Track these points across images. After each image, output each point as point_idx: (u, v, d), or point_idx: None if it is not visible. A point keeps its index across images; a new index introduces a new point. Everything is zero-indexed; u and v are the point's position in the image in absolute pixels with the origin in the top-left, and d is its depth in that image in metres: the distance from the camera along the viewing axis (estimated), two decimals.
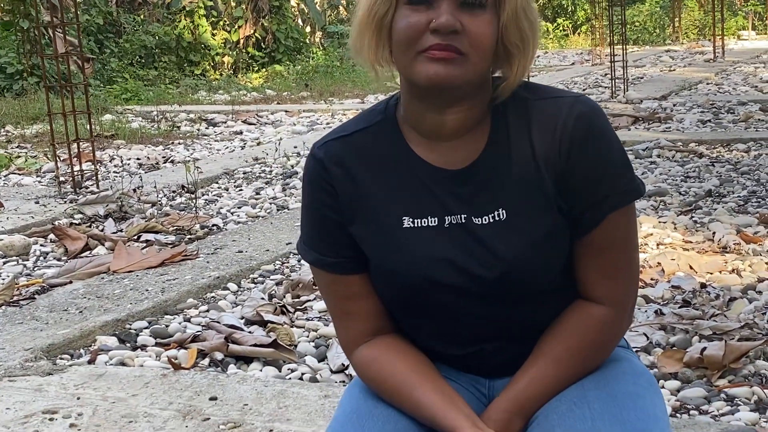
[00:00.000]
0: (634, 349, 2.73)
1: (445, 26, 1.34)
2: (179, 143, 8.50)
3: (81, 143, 6.11)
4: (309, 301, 3.48)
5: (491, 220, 1.44)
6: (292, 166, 6.71)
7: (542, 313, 1.49)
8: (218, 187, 6.08)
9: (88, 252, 4.33)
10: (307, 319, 3.29)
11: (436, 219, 1.46)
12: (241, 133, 9.22)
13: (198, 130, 9.52)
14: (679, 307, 3.08)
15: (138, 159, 7.46)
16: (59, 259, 4.28)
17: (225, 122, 10.08)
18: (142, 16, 16.97)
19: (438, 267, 1.44)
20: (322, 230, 1.52)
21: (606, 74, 11.35)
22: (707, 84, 11.24)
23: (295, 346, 3.01)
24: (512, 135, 1.45)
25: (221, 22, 17.47)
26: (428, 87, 1.37)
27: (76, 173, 5.88)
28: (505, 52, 1.41)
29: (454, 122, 1.44)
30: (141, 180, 6.09)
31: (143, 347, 3.05)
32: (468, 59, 1.36)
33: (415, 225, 1.46)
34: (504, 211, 1.44)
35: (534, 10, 1.43)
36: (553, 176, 1.43)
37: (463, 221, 1.45)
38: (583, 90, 11.59)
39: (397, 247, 1.46)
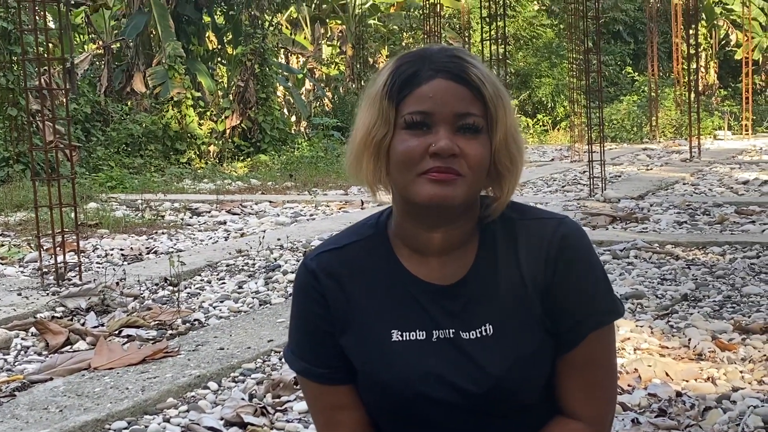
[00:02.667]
0: None
1: (445, 150, 1.41)
2: (163, 233, 8.55)
3: (65, 233, 6.16)
4: (289, 401, 3.50)
5: (478, 335, 1.49)
6: (275, 259, 6.75)
7: (525, 428, 1.53)
8: (201, 280, 6.11)
9: (69, 346, 4.34)
10: (287, 421, 3.29)
11: (424, 333, 1.51)
12: (225, 223, 9.29)
13: (182, 219, 9.59)
14: (656, 416, 3.12)
15: (121, 249, 7.49)
16: (40, 354, 4.28)
17: (209, 212, 10.16)
18: (129, 105, 17.20)
19: (426, 381, 1.49)
20: (312, 340, 1.56)
21: (584, 171, 11.57)
22: (683, 184, 11.45)
23: None
24: (500, 253, 1.52)
25: (208, 113, 17.73)
26: (427, 206, 1.44)
27: (59, 264, 5.90)
28: (497, 173, 1.49)
29: (445, 240, 1.51)
30: (124, 272, 6.11)
31: None
32: (465, 180, 1.43)
33: (404, 338, 1.51)
34: (491, 326, 1.50)
35: (521, 135, 1.53)
36: (538, 295, 1.50)
37: (451, 336, 1.50)
38: (562, 187, 11.79)
39: (386, 360, 1.51)
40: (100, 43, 19.76)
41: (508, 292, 1.51)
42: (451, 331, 1.51)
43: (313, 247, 1.59)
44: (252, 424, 3.19)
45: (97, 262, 6.91)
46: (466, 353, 1.49)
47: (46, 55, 6.63)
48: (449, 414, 1.50)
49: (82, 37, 23.14)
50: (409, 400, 1.50)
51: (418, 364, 1.50)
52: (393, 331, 1.52)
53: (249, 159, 17.26)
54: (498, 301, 1.51)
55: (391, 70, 1.47)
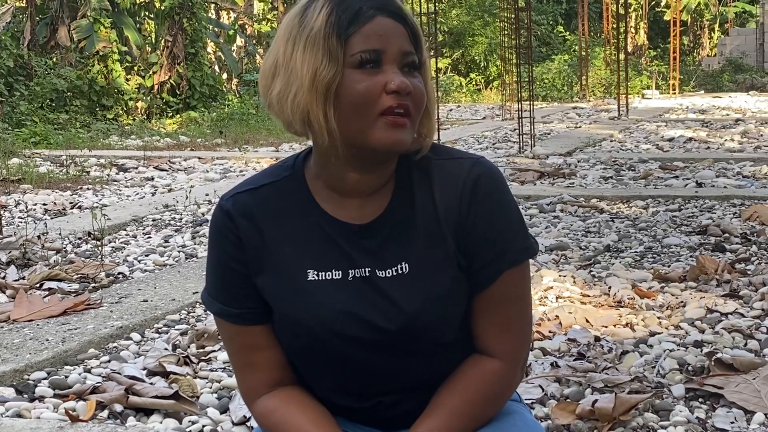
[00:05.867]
0: (530, 401, 2.82)
1: (404, 88, 1.41)
2: (88, 189, 8.39)
3: None
4: (213, 351, 3.48)
5: (394, 274, 1.50)
6: (203, 214, 6.69)
7: (440, 366, 1.54)
8: (126, 235, 6.02)
9: None
10: (211, 370, 3.28)
11: (340, 272, 1.51)
12: (152, 179, 9.15)
13: (108, 175, 9.41)
14: (574, 360, 3.18)
15: (44, 204, 7.33)
16: None
17: (136, 168, 9.99)
18: (54, 60, 16.74)
19: (341, 319, 1.49)
20: (228, 281, 1.55)
21: (515, 129, 11.66)
22: (611, 141, 11.62)
23: (198, 397, 3.00)
24: (416, 192, 1.52)
25: (135, 68, 17.35)
26: (385, 152, 1.44)
27: None
28: (425, 111, 1.50)
29: (372, 180, 1.50)
30: (46, 226, 5.99)
31: (41, 398, 3.00)
32: (413, 121, 1.44)
33: (320, 278, 1.51)
34: (407, 264, 1.50)
35: None
36: (453, 233, 1.50)
37: (367, 274, 1.50)
38: (493, 144, 11.87)
39: (301, 300, 1.50)
40: None
41: (424, 230, 1.52)
42: (366, 269, 1.51)
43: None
44: (175, 373, 3.17)
45: (19, 217, 6.75)
46: (381, 291, 1.50)
47: None
48: (366, 352, 1.51)
49: None
50: (324, 339, 1.50)
51: (333, 303, 1.50)
52: (309, 270, 1.52)
53: (178, 116, 16.98)
54: (414, 240, 1.52)
55: (330, 7, 1.42)
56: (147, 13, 20.95)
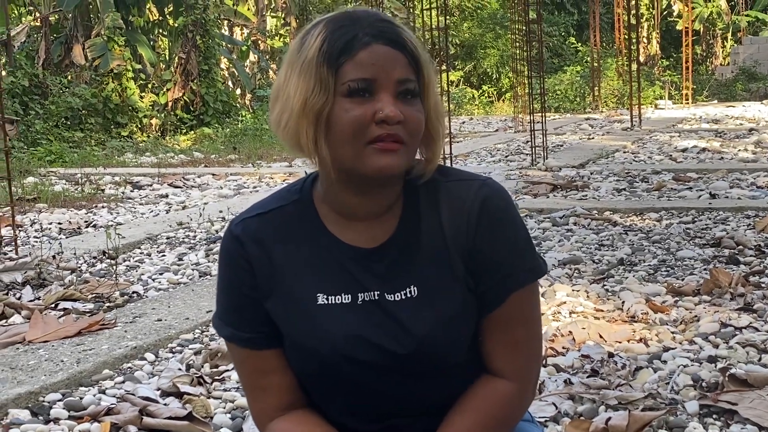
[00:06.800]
0: (544, 419, 2.82)
1: (393, 118, 1.41)
2: (103, 207, 8.45)
3: (1, 208, 6.04)
4: (227, 370, 3.49)
5: (403, 297, 1.50)
6: (217, 231, 6.71)
7: (450, 387, 1.55)
8: (140, 253, 6.04)
9: (4, 320, 4.27)
10: (225, 390, 3.29)
11: (349, 296, 1.51)
12: (166, 196, 9.20)
13: (123, 193, 9.47)
14: (588, 377, 3.17)
15: (60, 223, 7.38)
16: None
17: (151, 185, 10.05)
18: (69, 78, 16.87)
19: (351, 343, 1.50)
20: (238, 306, 1.56)
21: (527, 141, 11.64)
22: (624, 152, 11.59)
23: (211, 417, 3.01)
24: (423, 215, 1.53)
25: (150, 85, 17.46)
26: (376, 178, 1.44)
27: None
28: (428, 137, 1.50)
29: (375, 204, 1.51)
30: (61, 246, 6.03)
31: (56, 420, 3.01)
32: (408, 147, 1.44)
33: (329, 302, 1.51)
34: (415, 288, 1.51)
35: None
36: (461, 255, 1.51)
37: (376, 298, 1.51)
38: (505, 156, 11.86)
39: (311, 324, 1.51)
40: (38, 14, 19.31)
41: (432, 253, 1.52)
42: (376, 293, 1.51)
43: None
44: (189, 394, 3.18)
45: (34, 237, 6.80)
46: (391, 315, 1.50)
47: None
48: (376, 375, 1.51)
49: (18, 9, 22.59)
50: (335, 363, 1.51)
51: (343, 326, 1.50)
52: (318, 294, 1.52)
53: (192, 132, 17.07)
54: (422, 263, 1.52)
55: (324, 35, 1.44)
56: (160, 31, 21.10)
